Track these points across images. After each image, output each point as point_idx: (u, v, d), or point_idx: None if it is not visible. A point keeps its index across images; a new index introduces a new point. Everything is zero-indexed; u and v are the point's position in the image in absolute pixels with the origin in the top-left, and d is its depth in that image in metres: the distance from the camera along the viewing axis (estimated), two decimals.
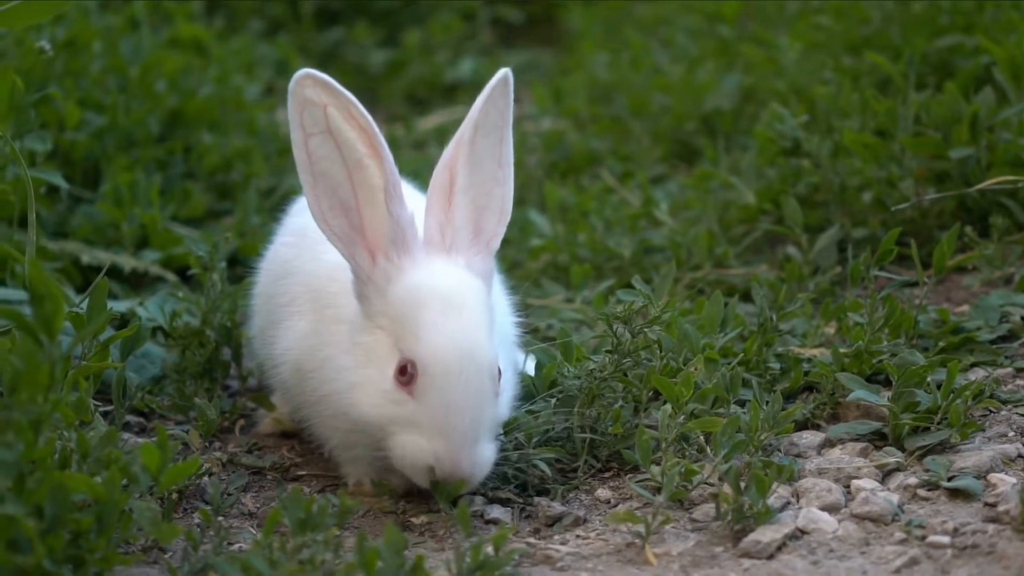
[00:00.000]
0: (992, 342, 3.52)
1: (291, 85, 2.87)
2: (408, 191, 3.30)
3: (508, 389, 2.98)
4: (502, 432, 2.99)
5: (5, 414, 2.36)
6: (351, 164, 2.90)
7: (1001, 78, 4.21)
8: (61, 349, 2.45)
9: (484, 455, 2.83)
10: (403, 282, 2.88)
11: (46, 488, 2.42)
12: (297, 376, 3.07)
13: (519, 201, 4.89)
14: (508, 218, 3.02)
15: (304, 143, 2.90)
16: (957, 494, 2.90)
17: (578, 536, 2.88)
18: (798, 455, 3.11)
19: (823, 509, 2.86)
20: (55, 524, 2.42)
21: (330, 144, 2.90)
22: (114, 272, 4.01)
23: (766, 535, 2.76)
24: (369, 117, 2.88)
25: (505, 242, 4.45)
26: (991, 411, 3.23)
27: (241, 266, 3.75)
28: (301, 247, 3.18)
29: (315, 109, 2.88)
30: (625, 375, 3.16)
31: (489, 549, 2.58)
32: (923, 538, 2.75)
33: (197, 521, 2.93)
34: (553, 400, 3.15)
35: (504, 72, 2.98)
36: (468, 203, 2.96)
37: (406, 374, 2.82)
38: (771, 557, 2.73)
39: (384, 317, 2.89)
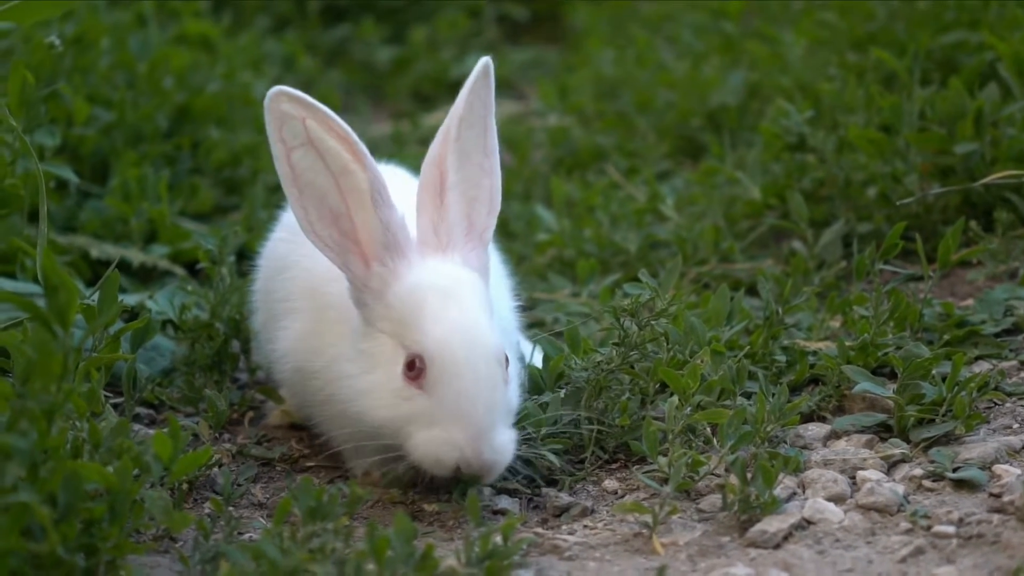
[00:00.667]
0: (996, 335, 3.54)
1: (266, 102, 2.88)
2: (404, 177, 3.32)
3: (514, 378, 2.97)
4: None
5: (19, 403, 2.38)
6: (336, 171, 2.90)
7: (1006, 74, 4.22)
8: (74, 340, 2.47)
9: (504, 440, 2.84)
10: (401, 284, 2.89)
11: (59, 477, 2.43)
12: (299, 376, 3.09)
13: (526, 196, 4.93)
14: (498, 208, 3.03)
15: (286, 156, 2.90)
16: (962, 485, 2.92)
17: (586, 526, 2.90)
18: (804, 447, 3.13)
19: (829, 500, 2.88)
20: (68, 512, 2.44)
21: (312, 155, 2.89)
22: (123, 266, 4.03)
23: (772, 525, 2.78)
24: (347, 127, 2.89)
25: (511, 236, 4.50)
26: (995, 403, 3.25)
27: (249, 260, 3.77)
28: (297, 243, 3.18)
29: (294, 122, 2.88)
30: (632, 367, 3.18)
31: (498, 539, 2.60)
32: (928, 528, 2.77)
33: (208, 511, 2.95)
34: (561, 392, 3.17)
35: (484, 62, 2.98)
36: (459, 198, 2.97)
37: (414, 368, 2.83)
38: (777, 547, 2.75)
39: (385, 321, 2.90)
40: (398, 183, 3.04)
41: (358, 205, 2.90)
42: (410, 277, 2.89)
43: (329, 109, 2.89)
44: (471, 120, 2.97)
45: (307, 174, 2.91)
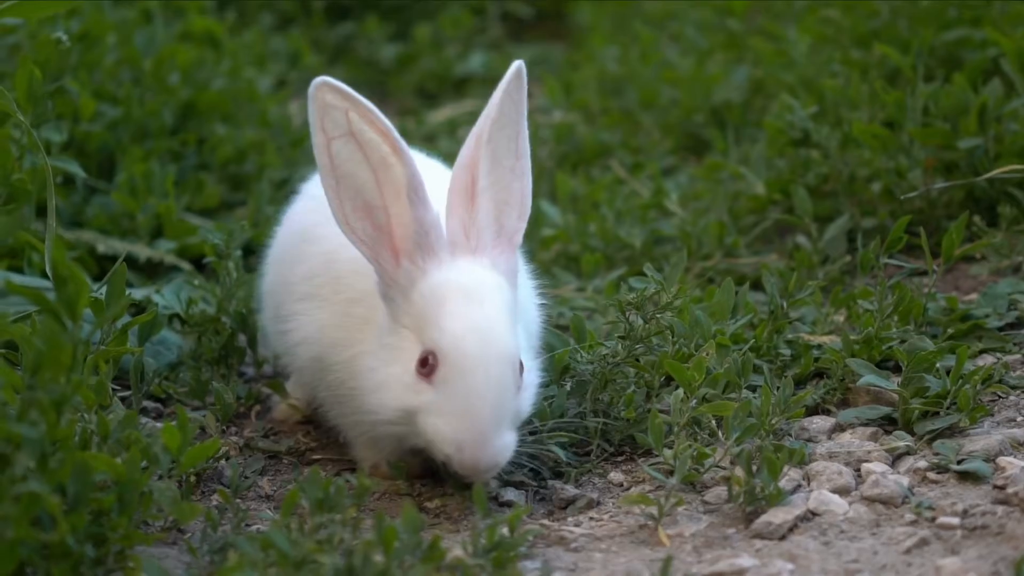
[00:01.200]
0: (1000, 329, 3.56)
1: (311, 91, 2.86)
2: (433, 165, 3.31)
3: (531, 385, 2.96)
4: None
5: (29, 394, 2.39)
6: (375, 163, 2.88)
7: (1009, 70, 4.23)
8: (83, 332, 2.49)
9: (504, 444, 2.81)
10: (426, 282, 2.87)
11: (69, 467, 2.45)
12: (317, 365, 3.08)
13: (531, 192, 4.93)
14: (528, 212, 3.01)
15: (326, 146, 2.89)
16: (966, 477, 2.93)
17: (591, 518, 2.91)
18: (809, 439, 3.14)
19: (834, 492, 2.89)
20: (77, 503, 2.46)
21: (352, 146, 2.88)
22: (129, 261, 4.03)
23: (778, 517, 2.79)
24: (388, 122, 2.87)
25: None
26: (999, 396, 3.26)
27: (255, 256, 3.78)
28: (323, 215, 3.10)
29: (336, 112, 2.86)
30: (637, 360, 3.19)
31: (504, 530, 2.61)
32: (933, 519, 2.78)
33: (215, 503, 2.96)
34: (566, 385, 3.18)
35: (518, 64, 2.96)
36: (490, 201, 2.95)
37: (427, 365, 2.83)
38: (783, 538, 2.76)
39: (408, 317, 2.88)
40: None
41: (395, 199, 2.89)
42: (436, 275, 2.87)
43: (371, 103, 2.88)
44: (502, 122, 2.95)
45: (346, 165, 2.89)
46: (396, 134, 2.87)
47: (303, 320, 3.11)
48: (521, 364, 2.88)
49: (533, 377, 2.98)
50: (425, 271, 2.88)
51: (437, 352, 2.81)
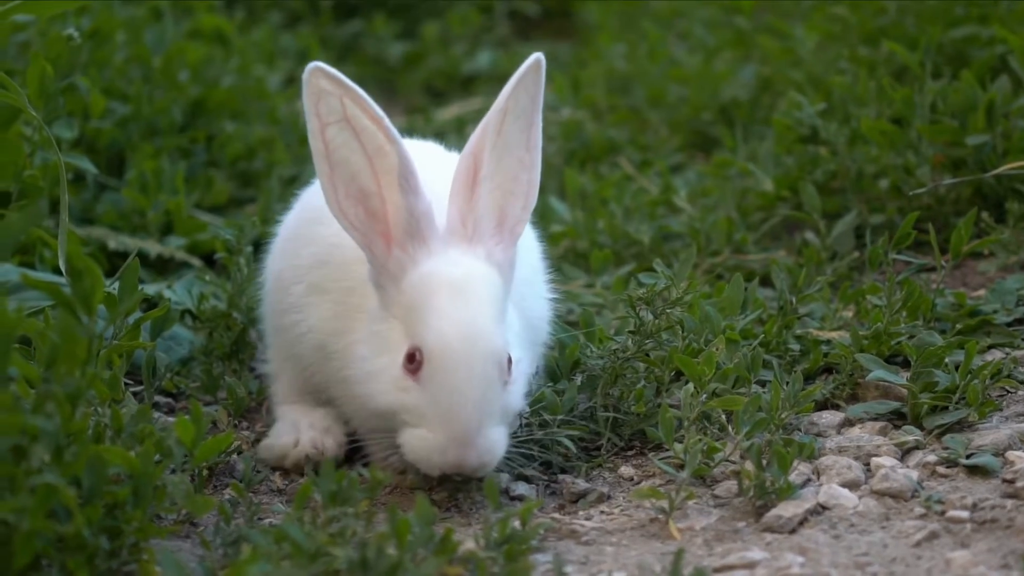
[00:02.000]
0: (1009, 324, 3.57)
1: (304, 76, 2.87)
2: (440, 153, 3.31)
3: (520, 379, 2.95)
4: (522, 421, 3.01)
5: (44, 387, 2.41)
6: (371, 151, 2.89)
7: (1016, 67, 4.24)
8: (97, 326, 2.50)
9: (492, 440, 2.82)
10: (416, 272, 2.88)
11: (83, 460, 2.46)
12: (320, 354, 3.10)
13: (540, 188, 4.94)
14: (533, 204, 3.02)
15: (320, 131, 2.89)
16: (975, 471, 2.94)
17: (602, 512, 2.93)
18: (818, 434, 3.15)
19: (843, 486, 2.90)
20: (92, 495, 2.47)
21: (347, 132, 2.89)
22: (140, 258, 4.02)
23: (788, 510, 2.80)
24: (379, 111, 2.87)
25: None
26: (1008, 391, 3.27)
27: (265, 253, 3.79)
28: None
29: (331, 98, 2.86)
30: (647, 355, 3.20)
31: (516, 523, 2.62)
32: (942, 513, 2.79)
33: (228, 496, 2.97)
34: (577, 380, 3.19)
35: (536, 57, 2.96)
36: (493, 190, 2.95)
37: (414, 361, 2.83)
38: (793, 532, 2.77)
39: (398, 306, 2.90)
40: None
41: (391, 186, 2.89)
42: (425, 266, 2.88)
43: (363, 91, 2.88)
44: (516, 112, 2.95)
45: (341, 151, 2.90)
46: (388, 122, 2.87)
47: (310, 312, 3.11)
48: (510, 359, 2.88)
49: (524, 368, 2.97)
50: (415, 260, 2.89)
51: (423, 349, 2.82)
